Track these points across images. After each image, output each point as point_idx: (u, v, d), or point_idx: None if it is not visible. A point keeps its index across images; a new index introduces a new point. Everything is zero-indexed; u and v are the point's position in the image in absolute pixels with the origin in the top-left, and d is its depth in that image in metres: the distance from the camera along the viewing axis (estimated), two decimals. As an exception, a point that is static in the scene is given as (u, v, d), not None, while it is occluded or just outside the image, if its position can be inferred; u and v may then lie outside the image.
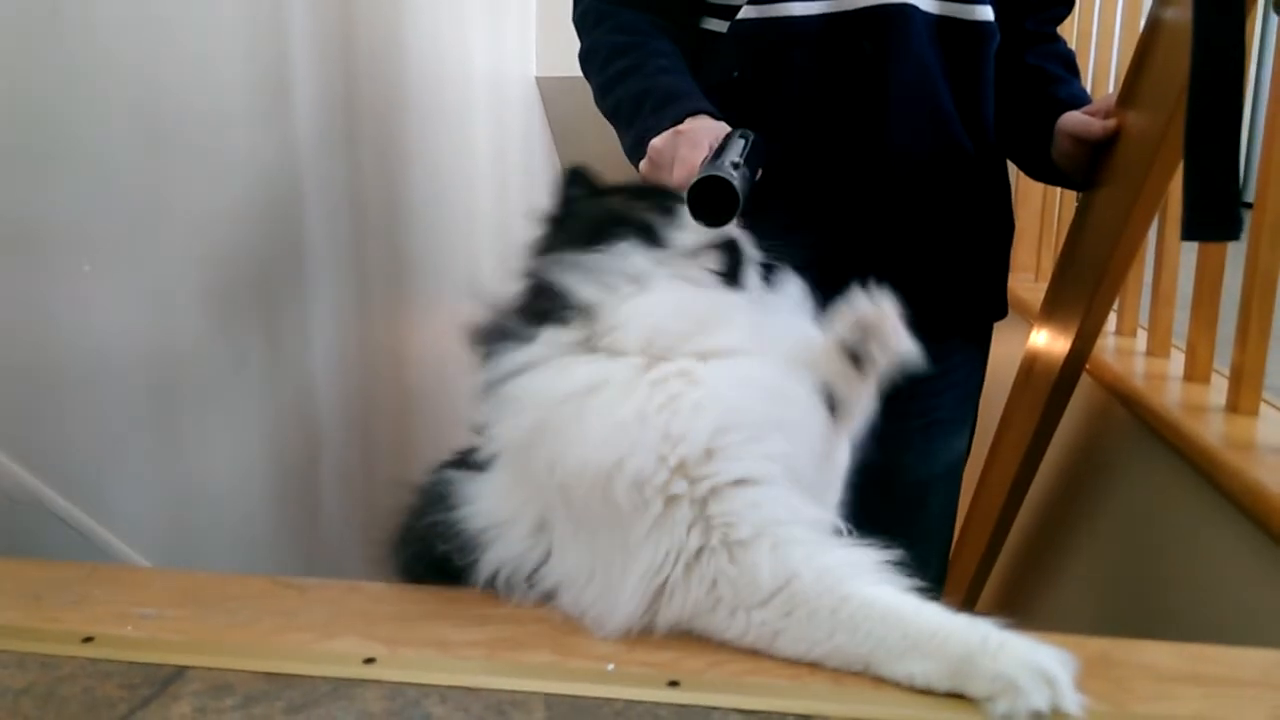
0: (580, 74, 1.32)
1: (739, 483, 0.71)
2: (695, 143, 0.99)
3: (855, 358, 0.80)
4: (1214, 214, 0.77)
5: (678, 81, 1.18)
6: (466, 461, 0.83)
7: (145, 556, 1.17)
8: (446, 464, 0.86)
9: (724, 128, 1.05)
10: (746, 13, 1.23)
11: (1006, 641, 0.63)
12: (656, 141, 1.05)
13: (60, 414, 1.09)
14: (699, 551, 0.70)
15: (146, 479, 1.22)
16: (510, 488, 0.79)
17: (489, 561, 0.77)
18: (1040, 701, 0.60)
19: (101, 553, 1.11)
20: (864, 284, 0.80)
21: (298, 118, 1.55)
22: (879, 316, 0.79)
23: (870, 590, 0.67)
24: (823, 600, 0.67)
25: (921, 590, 0.68)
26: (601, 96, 1.26)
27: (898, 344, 0.79)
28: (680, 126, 1.05)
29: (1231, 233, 0.80)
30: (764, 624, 0.68)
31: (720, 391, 0.73)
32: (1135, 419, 1.44)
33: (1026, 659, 0.62)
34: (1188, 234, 0.79)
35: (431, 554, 0.80)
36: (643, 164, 1.07)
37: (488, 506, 0.78)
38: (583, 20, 1.32)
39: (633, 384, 0.73)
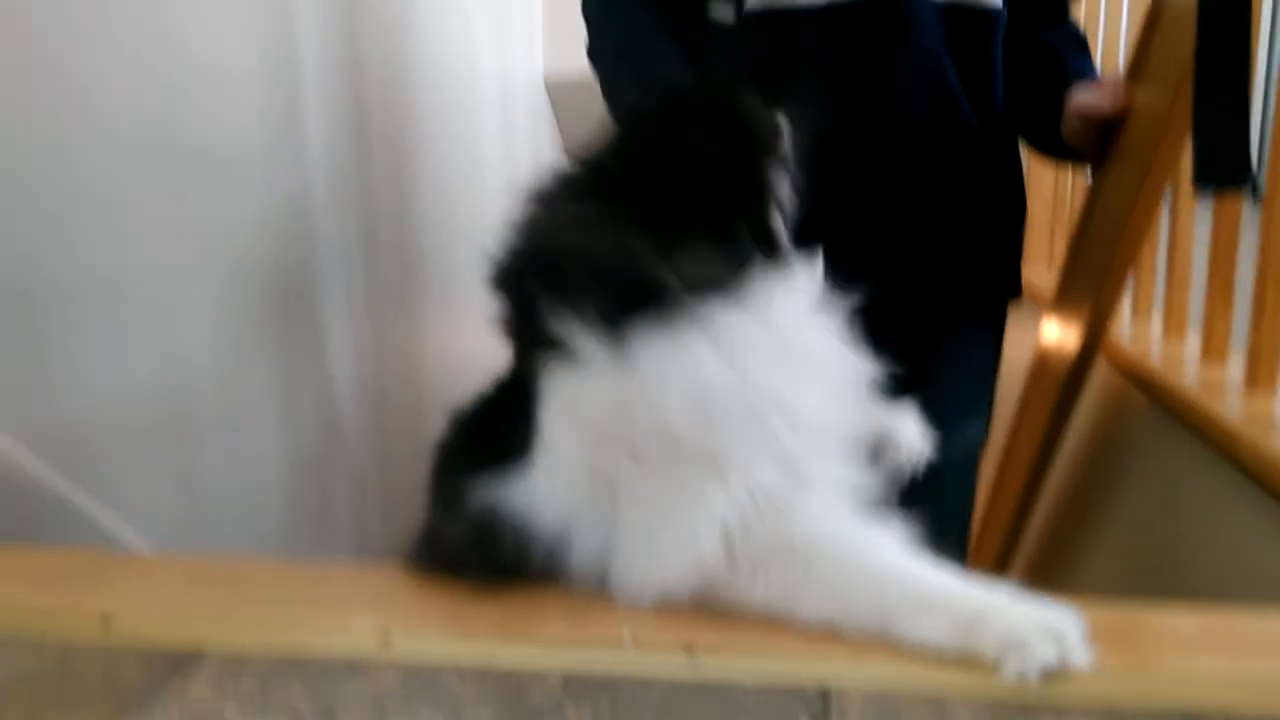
0: (586, 74, 1.34)
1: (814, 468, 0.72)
2: None
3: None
4: (1224, 161, 0.76)
5: None
6: (492, 452, 0.76)
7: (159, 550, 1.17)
8: (467, 455, 0.80)
9: None
10: (752, 4, 1.23)
11: (1015, 602, 0.64)
12: None
13: (75, 405, 1.09)
14: (747, 508, 0.70)
15: (161, 474, 1.22)
16: (584, 457, 0.73)
17: (577, 554, 0.72)
18: (1049, 656, 0.61)
19: (115, 545, 1.11)
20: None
21: (308, 127, 1.56)
22: (918, 454, 0.86)
23: (892, 554, 0.68)
24: (847, 561, 0.68)
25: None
26: (608, 97, 1.29)
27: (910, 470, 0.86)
28: None
29: (1241, 179, 0.79)
30: (785, 584, 0.68)
31: (833, 383, 0.76)
32: (1153, 400, 1.43)
33: (1034, 616, 0.63)
34: (1198, 180, 0.78)
35: (483, 555, 0.75)
36: None
37: (564, 493, 0.73)
38: (590, 19, 1.33)
39: (795, 355, 0.74)
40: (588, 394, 0.73)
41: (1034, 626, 0.62)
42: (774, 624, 0.68)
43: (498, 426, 0.79)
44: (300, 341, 1.56)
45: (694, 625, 0.69)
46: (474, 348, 2.47)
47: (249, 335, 1.42)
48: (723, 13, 1.28)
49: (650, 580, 0.70)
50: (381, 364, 1.85)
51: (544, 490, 0.74)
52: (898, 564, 0.68)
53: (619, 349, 0.71)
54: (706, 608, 0.70)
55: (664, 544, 0.70)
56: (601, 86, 1.30)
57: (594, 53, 1.32)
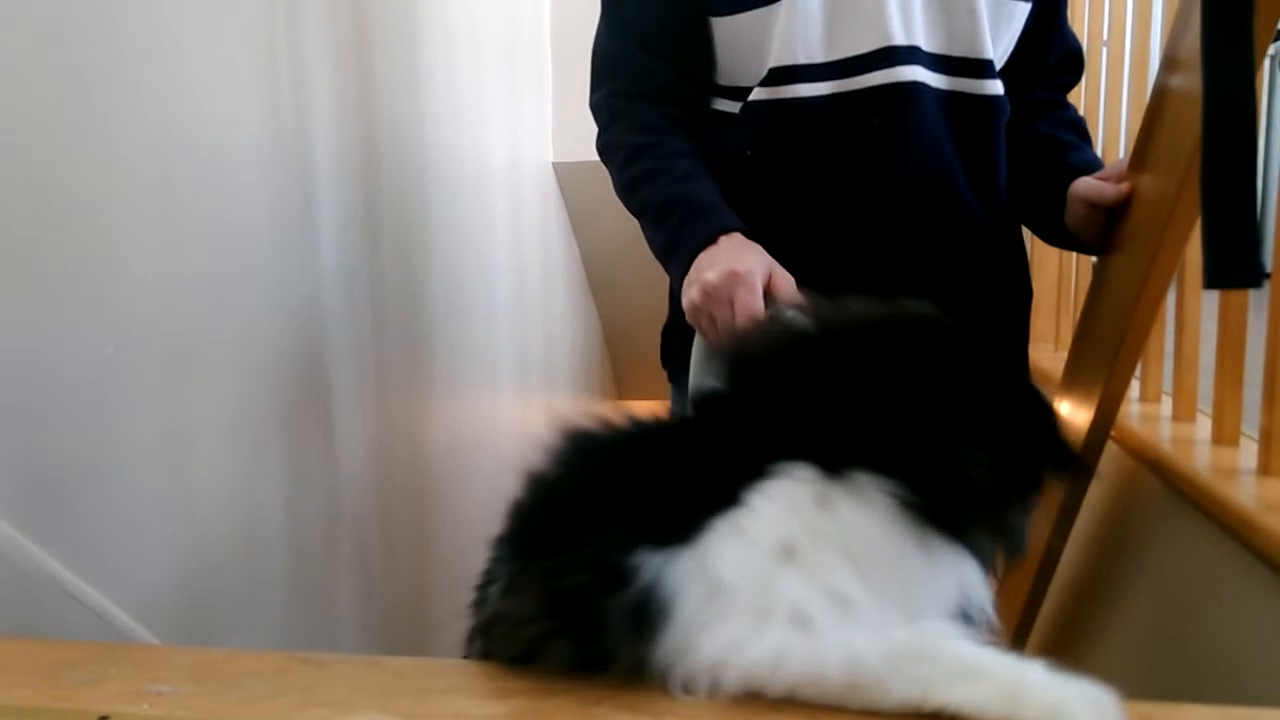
0: (595, 158, 1.34)
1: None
2: (751, 287, 1.02)
3: None
4: (1235, 261, 0.78)
5: (701, 190, 1.20)
6: (666, 517, 0.73)
7: (159, 636, 1.15)
8: (625, 515, 0.75)
9: (761, 252, 1.09)
10: (757, 95, 1.25)
11: (1058, 676, 0.65)
12: (710, 277, 1.06)
13: (75, 492, 1.09)
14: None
15: (162, 558, 1.21)
16: (781, 539, 0.71)
17: (697, 649, 0.69)
18: None
19: (117, 632, 1.10)
20: None
21: (322, 228, 1.58)
22: None
23: (934, 630, 0.69)
24: (895, 639, 0.68)
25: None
26: (624, 195, 1.28)
27: None
28: (731, 266, 1.06)
29: (1253, 279, 0.80)
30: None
31: None
32: (1165, 484, 1.41)
33: (1076, 689, 0.64)
34: (1210, 282, 0.80)
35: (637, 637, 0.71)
36: (693, 296, 1.08)
37: (723, 573, 0.70)
38: (598, 114, 1.34)
39: None
40: (841, 512, 0.73)
41: (1078, 697, 0.63)
42: (811, 707, 0.67)
43: (673, 491, 0.76)
44: (308, 434, 1.56)
45: (727, 715, 0.67)
46: (480, 434, 2.48)
47: (258, 432, 1.42)
48: (728, 104, 1.30)
49: (778, 669, 0.67)
50: (388, 453, 1.85)
51: (706, 566, 0.71)
52: (940, 636, 0.68)
53: (916, 529, 0.73)
54: (726, 701, 0.68)
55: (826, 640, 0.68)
56: (616, 185, 1.30)
57: (607, 152, 1.32)
